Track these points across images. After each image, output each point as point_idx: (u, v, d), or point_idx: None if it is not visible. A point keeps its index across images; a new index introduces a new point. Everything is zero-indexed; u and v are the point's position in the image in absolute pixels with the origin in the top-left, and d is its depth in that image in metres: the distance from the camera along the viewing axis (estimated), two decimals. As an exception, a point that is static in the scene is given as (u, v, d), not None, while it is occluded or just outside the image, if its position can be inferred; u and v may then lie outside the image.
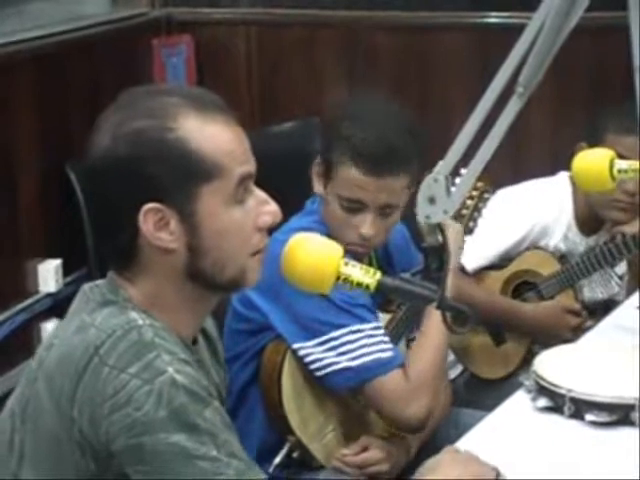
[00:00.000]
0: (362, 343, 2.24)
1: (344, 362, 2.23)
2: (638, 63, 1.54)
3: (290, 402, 2.29)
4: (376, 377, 2.23)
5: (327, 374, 2.25)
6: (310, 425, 2.32)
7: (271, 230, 1.59)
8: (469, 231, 2.39)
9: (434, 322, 2.21)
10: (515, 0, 3.74)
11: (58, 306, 3.41)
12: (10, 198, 3.38)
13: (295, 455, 2.29)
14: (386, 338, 2.27)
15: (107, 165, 1.51)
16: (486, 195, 2.38)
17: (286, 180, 2.75)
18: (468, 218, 2.36)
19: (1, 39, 3.36)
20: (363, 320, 2.24)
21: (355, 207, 2.27)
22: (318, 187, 2.35)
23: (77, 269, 3.47)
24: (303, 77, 4.10)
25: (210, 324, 1.75)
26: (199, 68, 4.14)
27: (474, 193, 2.37)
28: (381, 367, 2.24)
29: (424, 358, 2.27)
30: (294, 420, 2.29)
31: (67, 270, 3.50)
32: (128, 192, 1.50)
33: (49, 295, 3.47)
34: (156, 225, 1.51)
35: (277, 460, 2.27)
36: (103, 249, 1.60)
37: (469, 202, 2.37)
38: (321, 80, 4.06)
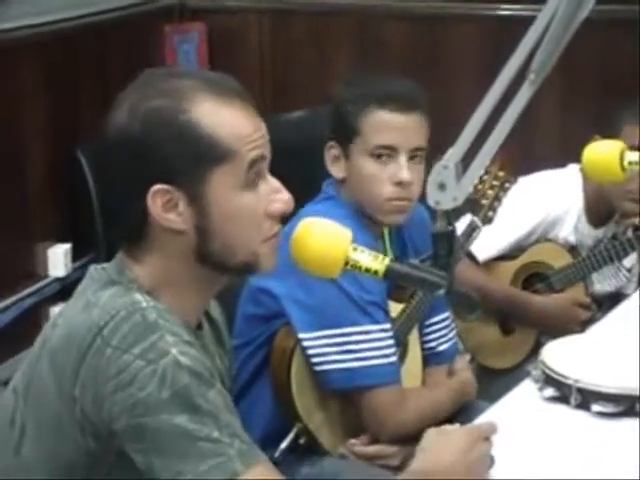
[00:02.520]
0: (368, 346, 2.24)
1: (345, 362, 2.24)
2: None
3: (299, 388, 2.30)
4: (371, 387, 2.24)
5: (326, 371, 2.25)
6: (317, 411, 2.32)
7: (284, 219, 1.59)
8: (488, 221, 2.39)
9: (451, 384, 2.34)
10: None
11: (67, 290, 3.41)
12: (21, 182, 3.39)
13: (301, 441, 2.30)
14: (391, 341, 2.27)
15: (121, 142, 1.52)
16: (507, 185, 2.38)
17: (297, 168, 2.74)
18: (488, 207, 2.36)
19: (11, 23, 3.37)
20: (374, 320, 2.24)
21: (387, 154, 2.26)
22: (336, 169, 2.34)
23: (86, 254, 3.48)
24: (315, 65, 4.10)
25: (217, 310, 1.75)
26: (211, 55, 4.14)
27: (495, 183, 2.37)
28: (380, 377, 2.24)
29: (430, 398, 2.32)
30: (301, 406, 2.29)
31: (76, 255, 3.52)
32: (139, 171, 1.51)
33: (58, 279, 3.49)
34: (165, 206, 1.51)
35: (283, 445, 2.27)
36: (113, 228, 1.61)
37: (490, 192, 2.37)
38: (332, 68, 4.06)
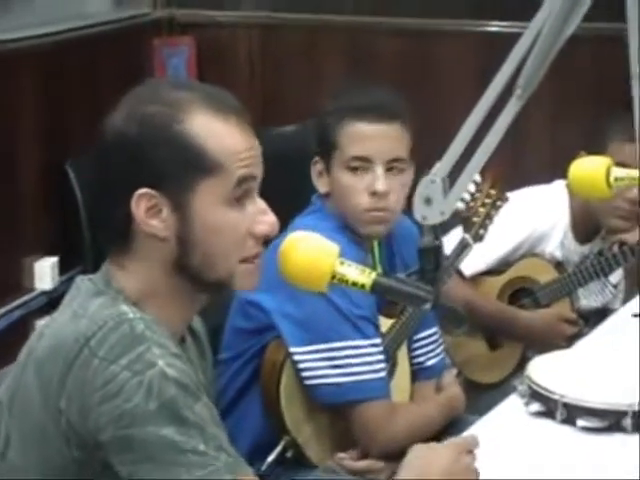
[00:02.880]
0: (358, 361, 2.24)
1: (335, 377, 2.24)
2: (637, 70, 1.54)
3: (288, 400, 2.30)
4: (362, 402, 2.24)
5: (315, 385, 2.25)
6: (306, 425, 2.32)
7: (267, 242, 1.58)
8: (479, 238, 2.40)
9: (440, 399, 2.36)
10: (515, 10, 3.75)
11: (53, 303, 3.38)
12: (9, 194, 3.39)
13: (289, 454, 2.30)
14: (381, 357, 2.27)
15: (113, 143, 1.54)
16: (499, 203, 2.39)
17: (286, 182, 2.76)
18: (479, 225, 2.37)
19: (3, 36, 3.37)
20: (364, 335, 2.25)
21: (363, 166, 2.27)
22: (321, 183, 2.36)
23: (73, 267, 3.47)
24: (304, 81, 4.11)
25: (199, 324, 1.75)
26: (200, 69, 4.15)
27: (487, 201, 2.38)
28: (370, 392, 2.24)
29: (419, 413, 2.32)
30: (290, 419, 2.29)
31: (63, 268, 3.51)
32: (126, 173, 1.52)
33: (45, 292, 3.48)
34: (148, 211, 1.52)
35: (271, 458, 2.27)
36: (99, 231, 1.62)
37: (481, 210, 2.38)
38: (322, 84, 4.07)
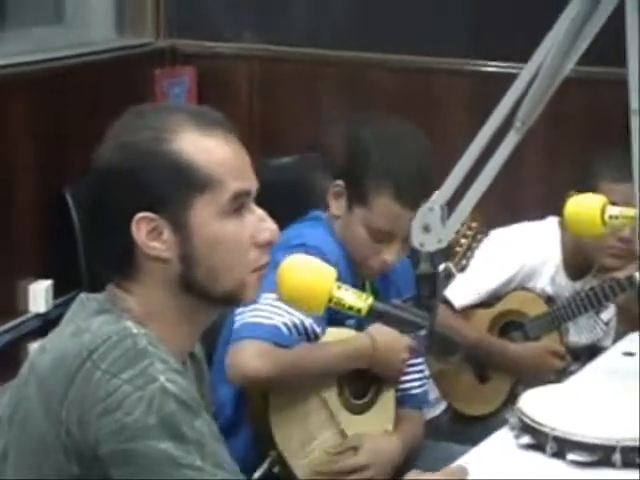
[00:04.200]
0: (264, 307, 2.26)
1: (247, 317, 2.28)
2: (636, 106, 1.57)
3: (276, 416, 2.31)
4: (244, 338, 2.26)
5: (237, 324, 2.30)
6: (293, 440, 2.33)
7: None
8: (461, 269, 2.42)
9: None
10: (514, 51, 3.79)
11: (47, 326, 3.40)
12: (5, 217, 3.40)
13: (275, 470, 2.30)
14: (284, 310, 2.27)
15: (105, 173, 1.56)
16: (479, 236, 2.42)
17: (283, 214, 2.77)
18: (461, 256, 2.39)
19: (4, 60, 3.40)
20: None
21: (385, 237, 2.34)
22: (337, 209, 2.40)
23: (68, 291, 3.48)
24: (303, 113, 4.14)
25: (198, 347, 1.76)
26: (200, 100, 4.17)
27: (468, 232, 2.40)
28: (255, 331, 2.26)
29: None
30: (278, 434, 2.30)
31: (58, 291, 3.51)
32: (123, 200, 1.54)
33: (38, 315, 3.48)
34: (149, 234, 1.53)
35: (257, 475, 2.27)
36: (100, 261, 1.62)
37: (463, 241, 2.40)
38: (320, 117, 4.10)
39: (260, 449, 2.33)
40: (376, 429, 2.44)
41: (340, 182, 2.39)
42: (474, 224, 2.39)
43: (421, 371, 2.53)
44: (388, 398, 2.48)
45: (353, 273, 2.38)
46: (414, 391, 2.53)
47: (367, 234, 2.35)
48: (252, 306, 2.24)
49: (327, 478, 2.33)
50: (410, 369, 2.49)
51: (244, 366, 2.23)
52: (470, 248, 2.38)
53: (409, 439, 2.47)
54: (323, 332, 2.35)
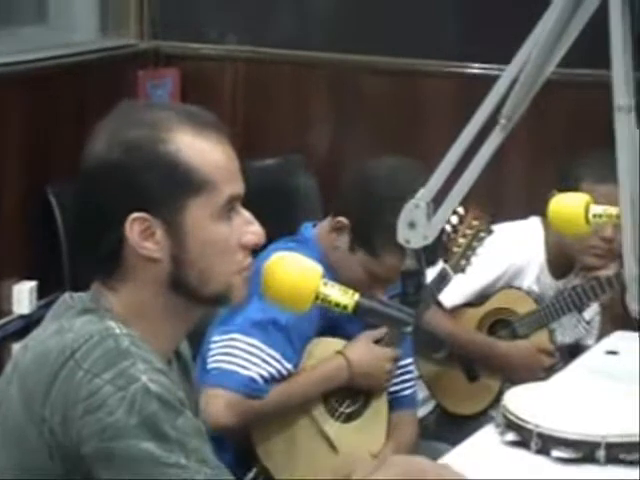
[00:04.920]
0: (238, 353, 2.29)
1: (219, 362, 2.31)
2: (620, 102, 1.58)
3: (259, 428, 2.32)
4: (216, 386, 2.27)
5: (208, 367, 2.32)
6: (277, 454, 2.33)
7: (254, 252, 1.61)
8: (460, 269, 2.42)
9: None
10: (498, 53, 3.80)
11: (31, 327, 3.37)
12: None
13: None
14: (260, 359, 2.30)
15: (99, 171, 1.54)
16: (482, 235, 2.42)
17: (268, 216, 2.77)
18: (460, 256, 2.39)
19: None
20: (262, 339, 2.30)
21: (384, 282, 2.35)
22: (337, 241, 2.39)
23: (52, 292, 3.46)
24: (288, 115, 4.14)
25: (184, 345, 1.76)
26: (184, 102, 4.17)
27: (468, 232, 2.41)
28: (226, 381, 2.28)
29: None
30: (262, 447, 2.32)
31: (42, 292, 3.51)
32: (117, 199, 1.53)
33: (22, 317, 3.47)
34: (142, 234, 1.53)
35: None
36: (87, 259, 1.62)
37: (461, 240, 2.40)
38: (305, 119, 4.11)
39: (246, 463, 2.34)
40: (367, 437, 2.45)
41: (344, 220, 2.38)
42: (475, 222, 2.39)
43: (410, 372, 2.53)
44: (379, 404, 2.48)
45: None
46: (406, 392, 2.53)
47: (365, 276, 2.35)
48: (228, 348, 2.29)
49: None
50: (400, 371, 2.50)
51: (214, 418, 2.23)
52: (470, 247, 2.38)
53: (405, 444, 2.47)
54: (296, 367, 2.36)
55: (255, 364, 2.29)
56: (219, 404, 2.26)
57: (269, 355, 2.30)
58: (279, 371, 2.32)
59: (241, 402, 2.28)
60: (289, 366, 2.33)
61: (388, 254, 2.29)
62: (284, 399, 2.34)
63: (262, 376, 2.30)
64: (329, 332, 2.40)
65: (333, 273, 2.33)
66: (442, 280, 2.42)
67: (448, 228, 2.31)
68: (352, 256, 2.37)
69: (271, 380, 2.31)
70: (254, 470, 2.33)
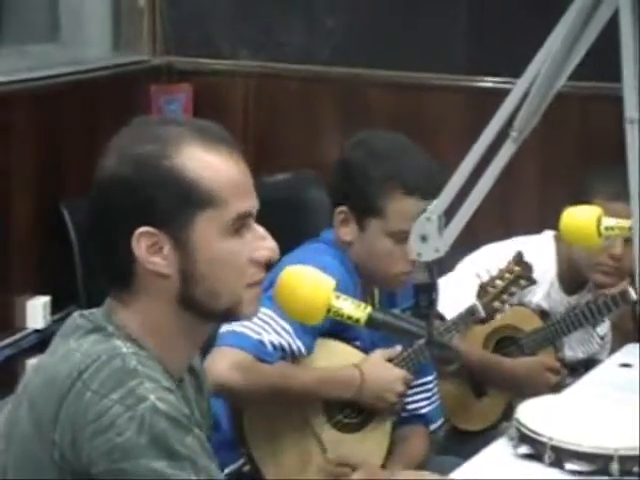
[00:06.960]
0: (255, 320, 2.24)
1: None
2: (632, 115, 1.59)
3: (250, 417, 2.33)
4: (227, 345, 2.26)
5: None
6: (265, 443, 2.34)
7: (269, 266, 1.60)
8: (492, 311, 2.41)
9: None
10: (509, 67, 3.80)
11: (45, 342, 3.38)
12: (4, 234, 3.41)
13: (246, 469, 2.32)
14: (272, 328, 2.28)
15: (109, 185, 1.55)
16: (522, 282, 2.42)
17: (280, 231, 2.78)
18: (493, 297, 2.40)
19: (3, 77, 3.41)
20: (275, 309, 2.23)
21: (406, 236, 2.31)
22: (347, 234, 2.39)
23: (66, 307, 3.48)
24: (299, 130, 4.16)
25: (197, 360, 1.76)
26: (196, 117, 4.19)
27: (507, 275, 2.41)
28: (238, 340, 2.26)
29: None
30: (250, 433, 2.33)
31: (56, 307, 3.52)
32: (125, 213, 1.53)
33: (36, 331, 3.49)
34: (149, 249, 1.53)
35: (227, 470, 2.29)
36: (99, 274, 1.62)
37: (498, 282, 2.41)
38: (316, 134, 4.12)
39: (238, 449, 2.35)
40: (362, 453, 2.42)
41: (343, 208, 2.39)
42: (517, 268, 2.40)
43: (430, 390, 2.52)
44: (384, 425, 2.46)
45: (359, 292, 2.35)
46: (422, 411, 2.52)
47: (390, 241, 2.33)
48: None
49: None
50: (418, 389, 2.49)
51: (218, 374, 2.20)
52: (507, 291, 2.38)
53: (414, 457, 2.46)
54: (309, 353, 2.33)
55: (266, 331, 2.27)
56: (226, 361, 2.24)
57: (281, 327, 2.27)
58: (289, 344, 2.29)
59: (248, 361, 2.25)
60: (299, 343, 2.30)
61: (389, 202, 2.31)
62: (286, 379, 2.30)
63: (272, 343, 2.27)
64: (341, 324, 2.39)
65: (362, 271, 2.36)
66: (470, 316, 2.42)
67: (494, 272, 2.37)
68: (367, 234, 2.36)
69: (280, 350, 2.29)
70: (240, 461, 2.33)
